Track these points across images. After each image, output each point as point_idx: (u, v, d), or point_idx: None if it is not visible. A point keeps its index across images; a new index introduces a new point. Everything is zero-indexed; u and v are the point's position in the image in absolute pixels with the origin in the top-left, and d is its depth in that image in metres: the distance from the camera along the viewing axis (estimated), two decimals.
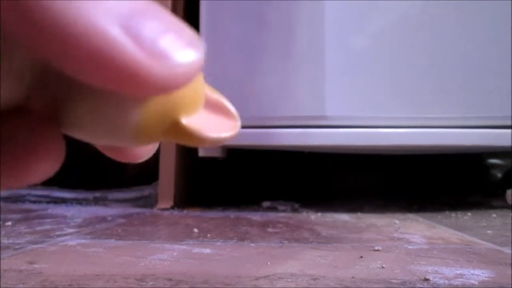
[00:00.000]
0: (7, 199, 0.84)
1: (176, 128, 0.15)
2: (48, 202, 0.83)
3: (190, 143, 0.15)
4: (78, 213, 0.68)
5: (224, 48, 0.74)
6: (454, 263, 0.37)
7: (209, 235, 0.50)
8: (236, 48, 0.73)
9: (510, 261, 0.38)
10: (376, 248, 0.42)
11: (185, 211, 0.73)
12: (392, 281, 0.31)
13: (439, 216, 0.67)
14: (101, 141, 0.16)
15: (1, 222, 0.56)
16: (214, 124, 0.16)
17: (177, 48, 0.12)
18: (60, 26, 0.12)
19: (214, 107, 0.16)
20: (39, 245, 0.43)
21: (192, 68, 0.13)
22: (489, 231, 0.54)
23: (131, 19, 0.12)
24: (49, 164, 0.15)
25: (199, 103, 0.16)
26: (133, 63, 0.12)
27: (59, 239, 0.46)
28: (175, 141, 0.15)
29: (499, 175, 1.02)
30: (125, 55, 0.12)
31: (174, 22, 0.13)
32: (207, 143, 0.16)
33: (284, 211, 0.73)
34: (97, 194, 0.85)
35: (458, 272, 0.34)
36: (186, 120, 0.15)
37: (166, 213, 0.71)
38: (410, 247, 0.44)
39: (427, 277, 0.32)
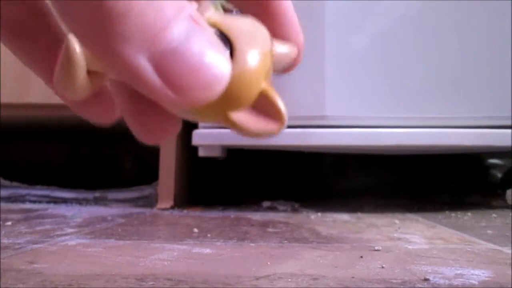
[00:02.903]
0: (7, 199, 0.84)
1: (225, 119, 0.17)
2: (48, 202, 0.83)
3: (237, 133, 0.18)
4: (78, 213, 0.68)
5: None
6: (454, 263, 0.37)
7: (209, 235, 0.50)
8: None
9: (510, 261, 0.38)
10: (376, 248, 0.42)
11: (185, 211, 0.73)
12: (392, 281, 0.31)
13: (439, 216, 0.67)
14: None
15: (1, 222, 0.56)
16: (261, 121, 0.18)
17: (196, 88, 0.15)
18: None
19: (266, 105, 0.18)
20: (39, 245, 0.43)
21: (212, 95, 0.15)
22: (489, 231, 0.54)
23: (162, 59, 0.14)
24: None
25: (245, 102, 0.17)
26: (160, 94, 0.15)
27: (59, 239, 0.46)
28: (228, 128, 0.18)
29: (499, 175, 1.02)
30: (154, 87, 0.15)
31: (201, 63, 0.15)
32: (250, 136, 0.18)
33: (284, 211, 0.73)
34: (97, 194, 0.85)
35: (458, 272, 0.34)
36: (234, 114, 0.17)
37: (166, 213, 0.71)
38: (410, 247, 0.44)
39: (427, 277, 0.32)
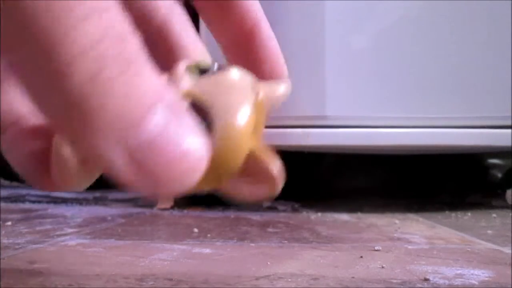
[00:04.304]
0: (7, 199, 0.84)
1: (217, 188, 0.17)
2: (48, 202, 0.83)
3: (231, 199, 0.18)
4: (78, 213, 0.68)
5: None
6: (454, 263, 0.37)
7: (209, 235, 0.50)
8: None
9: (510, 261, 0.38)
10: (376, 248, 0.42)
11: (185, 211, 0.73)
12: (392, 281, 0.31)
13: (439, 216, 0.67)
14: None
15: (1, 222, 0.56)
16: (253, 184, 0.17)
17: (174, 178, 0.14)
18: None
19: (257, 166, 0.17)
20: (39, 245, 0.43)
21: (190, 183, 0.15)
22: (489, 231, 0.54)
23: (139, 151, 0.14)
24: None
25: (232, 170, 0.17)
26: (137, 186, 0.14)
27: (59, 239, 0.46)
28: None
29: (499, 175, 1.02)
30: (130, 179, 0.14)
31: (179, 153, 0.14)
32: (244, 201, 0.18)
33: (284, 211, 0.73)
34: (97, 194, 0.85)
35: (458, 272, 0.34)
36: (224, 182, 0.17)
37: (166, 213, 0.71)
38: (410, 247, 0.44)
39: (427, 277, 0.32)
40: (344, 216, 0.66)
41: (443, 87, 0.69)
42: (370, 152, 0.79)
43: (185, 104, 0.15)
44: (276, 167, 0.17)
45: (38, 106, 0.14)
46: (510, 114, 0.68)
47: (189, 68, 0.18)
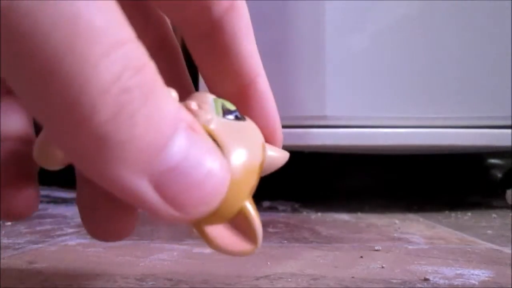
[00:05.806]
0: None
1: (198, 230, 0.17)
2: (48, 202, 0.83)
3: (208, 245, 0.18)
4: (78, 213, 0.68)
5: None
6: (454, 263, 0.37)
7: None
8: None
9: (510, 261, 0.38)
10: (376, 248, 0.42)
11: None
12: (392, 281, 0.31)
13: (439, 216, 0.67)
14: None
15: (1, 222, 0.56)
16: (234, 239, 0.17)
17: (199, 203, 0.15)
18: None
19: (243, 223, 0.17)
20: (39, 245, 0.43)
21: (213, 207, 0.15)
22: (489, 231, 0.54)
23: (162, 178, 0.14)
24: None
25: (223, 218, 0.17)
26: (162, 213, 0.14)
27: (59, 239, 0.46)
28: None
29: (499, 175, 1.02)
30: (155, 207, 0.14)
31: (202, 174, 0.14)
32: (220, 252, 0.18)
33: (284, 211, 0.73)
34: None
35: (458, 272, 0.34)
36: (208, 227, 0.17)
37: None
38: (410, 247, 0.44)
39: (427, 277, 0.32)
40: (344, 216, 0.66)
41: (443, 87, 0.69)
42: (370, 152, 0.79)
43: (202, 129, 0.16)
44: (260, 229, 0.17)
45: (59, 145, 0.14)
46: (510, 114, 0.68)
47: (216, 102, 0.18)
